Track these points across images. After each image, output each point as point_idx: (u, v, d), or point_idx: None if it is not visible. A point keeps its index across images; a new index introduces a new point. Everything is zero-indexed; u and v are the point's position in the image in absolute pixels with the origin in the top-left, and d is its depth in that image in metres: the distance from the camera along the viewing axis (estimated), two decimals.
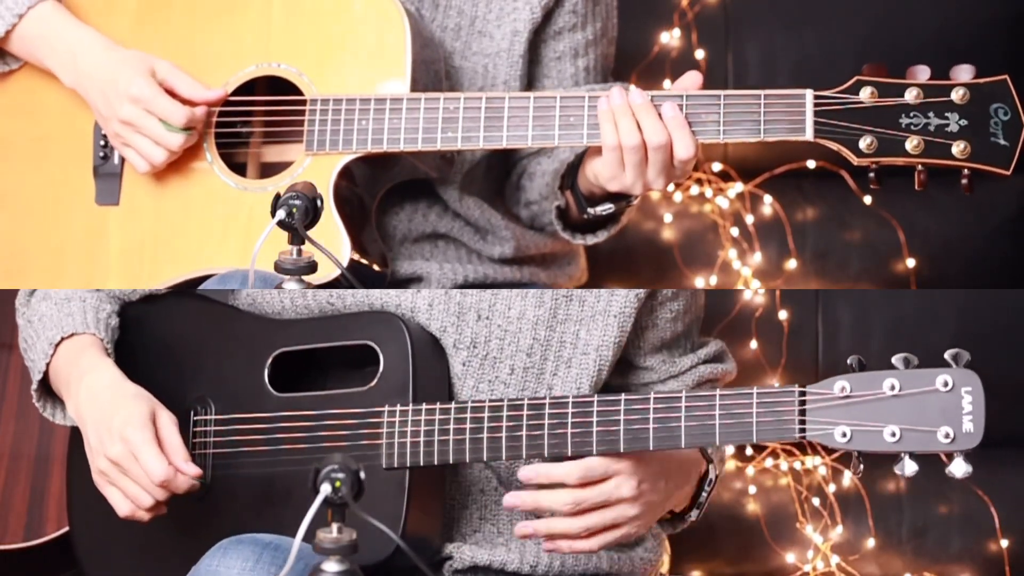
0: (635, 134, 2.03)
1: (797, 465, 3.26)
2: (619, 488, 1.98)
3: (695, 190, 3.37)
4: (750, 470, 3.26)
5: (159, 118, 2.13)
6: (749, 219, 3.35)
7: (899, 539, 3.25)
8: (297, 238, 1.95)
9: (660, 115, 2.03)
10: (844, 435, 1.86)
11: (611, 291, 2.11)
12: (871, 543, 3.23)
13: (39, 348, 2.13)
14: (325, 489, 1.79)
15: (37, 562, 2.72)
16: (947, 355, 1.85)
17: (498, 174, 2.28)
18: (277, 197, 1.94)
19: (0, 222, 2.26)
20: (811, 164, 3.36)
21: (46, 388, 2.18)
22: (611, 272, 3.32)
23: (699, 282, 3.33)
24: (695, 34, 3.36)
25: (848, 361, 1.88)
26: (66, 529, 2.27)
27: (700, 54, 3.35)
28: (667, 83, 3.29)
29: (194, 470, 2.02)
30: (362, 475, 1.80)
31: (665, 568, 2.20)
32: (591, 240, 2.19)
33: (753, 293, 3.29)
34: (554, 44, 2.25)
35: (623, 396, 1.95)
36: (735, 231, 3.35)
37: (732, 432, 1.91)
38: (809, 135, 2.04)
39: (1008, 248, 3.38)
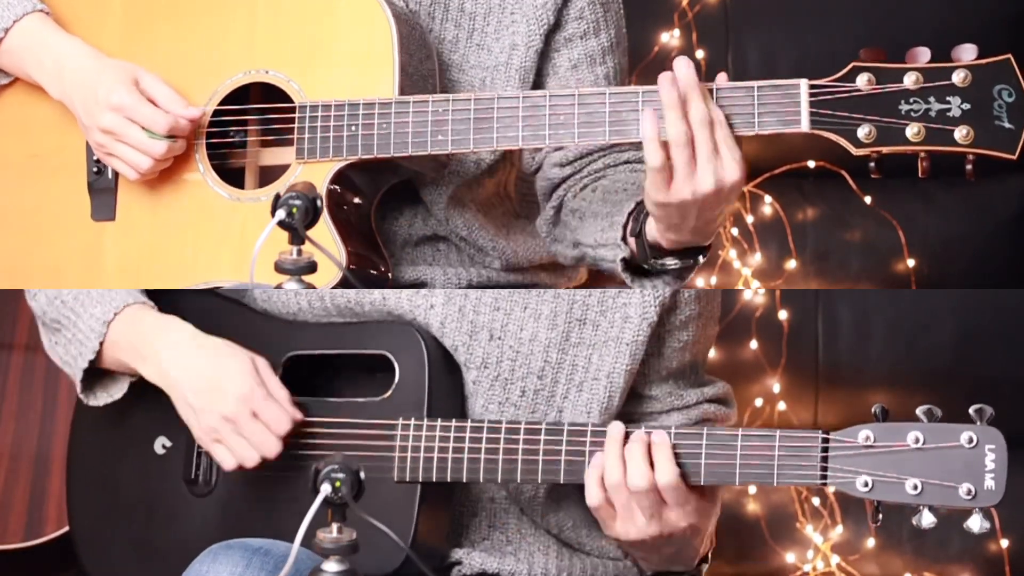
0: (683, 129, 1.95)
1: None
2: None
3: None
4: None
5: (142, 126, 2.11)
6: (749, 219, 3.35)
7: (899, 539, 3.25)
8: (297, 238, 1.94)
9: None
10: (866, 484, 1.85)
11: (624, 315, 2.07)
12: (871, 543, 3.23)
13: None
14: (325, 489, 1.79)
15: (37, 562, 2.72)
16: (971, 411, 1.84)
17: (491, 196, 2.26)
18: (277, 197, 1.93)
19: None
20: (811, 164, 3.36)
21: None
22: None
23: (699, 282, 3.33)
24: (695, 34, 3.37)
25: (872, 410, 1.87)
26: (66, 529, 2.27)
27: (700, 54, 3.35)
28: None
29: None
30: (362, 475, 1.80)
31: None
32: (649, 286, 2.08)
33: (753, 293, 3.29)
34: (567, 52, 2.22)
35: (643, 428, 1.95)
36: (735, 231, 3.35)
37: (752, 473, 1.91)
38: (805, 127, 1.98)
39: (1008, 248, 3.38)
